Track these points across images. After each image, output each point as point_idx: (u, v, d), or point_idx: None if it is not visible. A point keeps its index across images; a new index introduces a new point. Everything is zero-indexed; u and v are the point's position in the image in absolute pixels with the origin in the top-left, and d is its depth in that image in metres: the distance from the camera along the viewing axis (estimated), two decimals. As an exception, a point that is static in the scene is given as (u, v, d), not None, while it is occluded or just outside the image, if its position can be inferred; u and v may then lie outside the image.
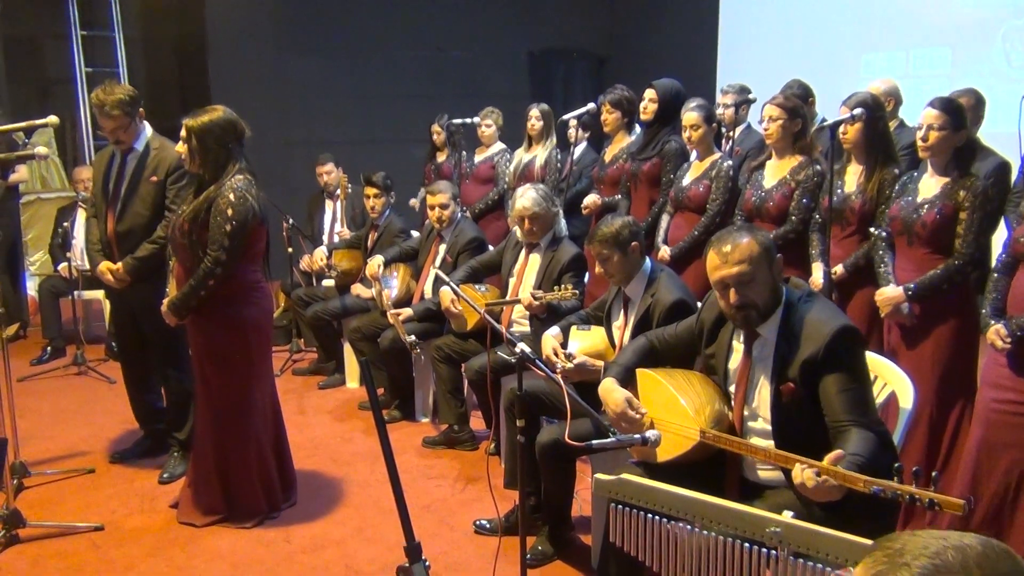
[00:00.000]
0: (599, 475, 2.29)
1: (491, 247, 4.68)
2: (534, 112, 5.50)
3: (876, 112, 3.53)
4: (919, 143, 3.23)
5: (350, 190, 5.91)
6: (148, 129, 3.93)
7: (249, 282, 3.46)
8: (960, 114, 3.21)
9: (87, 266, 5.17)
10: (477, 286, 4.33)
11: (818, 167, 3.73)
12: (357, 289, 5.24)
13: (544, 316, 3.84)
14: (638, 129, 4.84)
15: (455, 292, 3.33)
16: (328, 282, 5.63)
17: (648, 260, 3.26)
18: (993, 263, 3.14)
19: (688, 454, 2.45)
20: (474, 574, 3.17)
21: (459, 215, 4.80)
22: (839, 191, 3.56)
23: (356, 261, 5.37)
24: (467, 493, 3.85)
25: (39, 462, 4.12)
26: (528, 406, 3.24)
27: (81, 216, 6.03)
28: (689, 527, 2.08)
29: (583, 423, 2.94)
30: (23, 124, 3.86)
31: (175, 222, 3.41)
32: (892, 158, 3.56)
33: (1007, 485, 2.92)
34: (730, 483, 2.51)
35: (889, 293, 3.27)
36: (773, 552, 1.92)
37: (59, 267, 6.10)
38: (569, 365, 3.14)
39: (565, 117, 5.10)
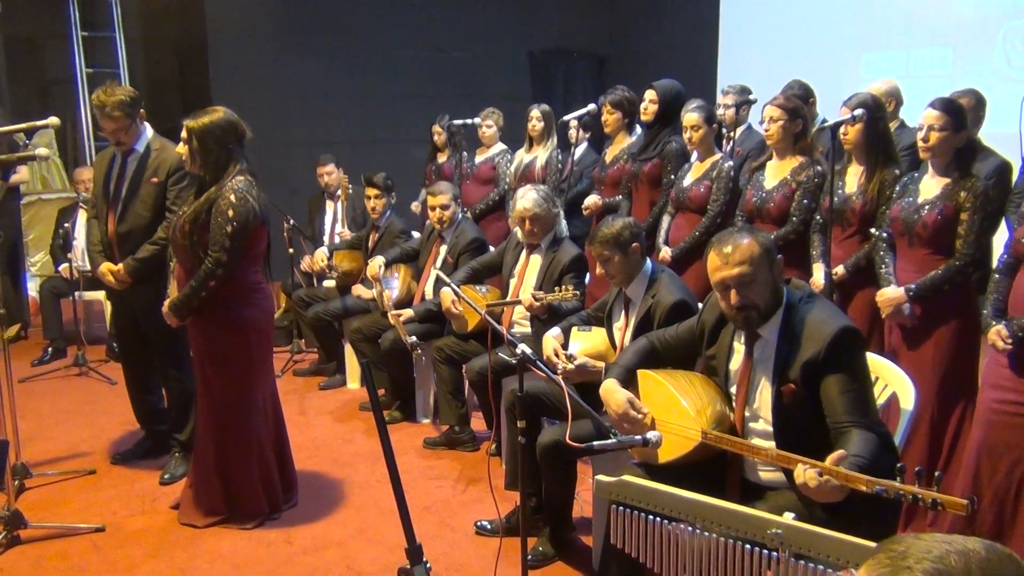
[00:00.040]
0: (600, 476, 2.29)
1: (492, 248, 4.68)
2: (535, 113, 5.50)
3: (877, 113, 3.53)
4: (920, 144, 3.23)
5: (351, 191, 5.91)
6: (149, 130, 3.93)
7: (250, 283, 3.46)
8: (961, 115, 3.21)
9: (88, 267, 5.18)
10: (478, 287, 4.33)
11: (819, 168, 3.73)
12: (358, 290, 5.24)
13: (545, 317, 3.84)
14: (639, 130, 4.84)
15: (456, 293, 3.33)
16: (329, 283, 5.63)
17: (649, 261, 3.26)
18: (994, 264, 3.14)
19: (689, 455, 2.45)
20: (475, 575, 3.17)
21: (460, 216, 4.80)
22: (840, 192, 3.56)
23: (357, 262, 5.37)
24: (468, 494, 3.85)
25: (40, 463, 4.12)
26: (529, 407, 3.24)
27: (82, 217, 6.04)
28: (690, 529, 2.08)
29: (584, 424, 2.94)
30: (24, 125, 3.86)
31: (176, 223, 3.41)
32: (893, 159, 3.56)
33: (1008, 486, 2.92)
34: (731, 484, 2.51)
35: (890, 294, 3.27)
36: (774, 554, 1.92)
37: (60, 268, 6.10)
38: (570, 366, 3.15)
39: (566, 118, 5.11)
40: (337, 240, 5.83)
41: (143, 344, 4.07)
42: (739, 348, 2.52)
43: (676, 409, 2.48)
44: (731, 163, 4.23)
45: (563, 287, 3.77)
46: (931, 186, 3.26)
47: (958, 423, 3.27)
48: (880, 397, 2.68)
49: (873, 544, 1.80)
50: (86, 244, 5.23)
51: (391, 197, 5.31)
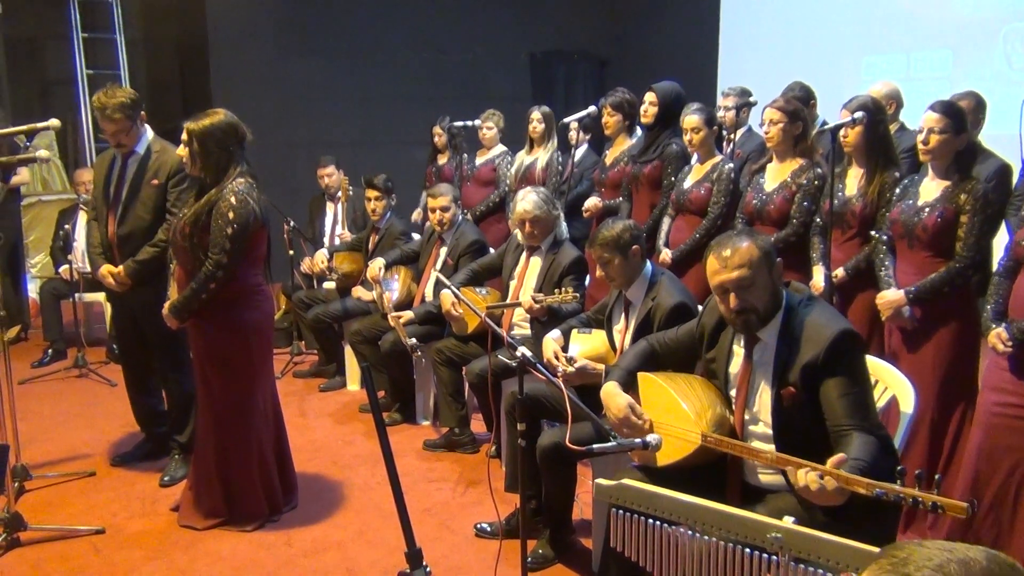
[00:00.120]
0: (600, 480, 2.29)
1: (492, 249, 4.68)
2: (535, 115, 5.51)
3: (877, 115, 3.53)
4: (920, 146, 3.23)
5: (351, 192, 5.91)
6: (149, 132, 3.93)
7: (250, 285, 3.46)
8: (961, 117, 3.21)
9: (88, 268, 5.18)
10: (478, 289, 4.33)
11: (819, 170, 3.73)
12: (358, 292, 5.24)
13: (545, 319, 3.84)
14: (639, 132, 4.84)
15: (456, 295, 3.33)
16: (329, 284, 5.63)
17: (649, 264, 3.27)
18: (994, 266, 3.14)
19: (689, 458, 2.45)
20: (475, 578, 3.17)
21: (460, 218, 4.81)
22: (840, 194, 3.56)
23: (357, 264, 5.37)
24: (468, 496, 3.85)
25: (40, 465, 4.12)
26: (529, 409, 3.24)
27: (82, 218, 6.04)
28: (690, 532, 2.08)
29: (584, 426, 2.93)
30: (24, 127, 3.86)
31: (176, 225, 3.41)
32: (893, 161, 3.56)
33: (1007, 488, 2.92)
34: (731, 487, 2.51)
35: (890, 296, 3.27)
36: (774, 557, 1.92)
37: (60, 269, 6.10)
38: (570, 369, 3.15)
39: (566, 120, 5.12)
40: (337, 242, 5.83)
41: (143, 346, 4.07)
42: (738, 351, 2.52)
43: (676, 412, 2.48)
44: (731, 165, 4.23)
45: (563, 289, 3.77)
46: (931, 189, 3.26)
47: (958, 426, 3.27)
48: (880, 400, 2.68)
49: (872, 548, 1.80)
50: (86, 246, 5.23)
51: (391, 199, 5.31)
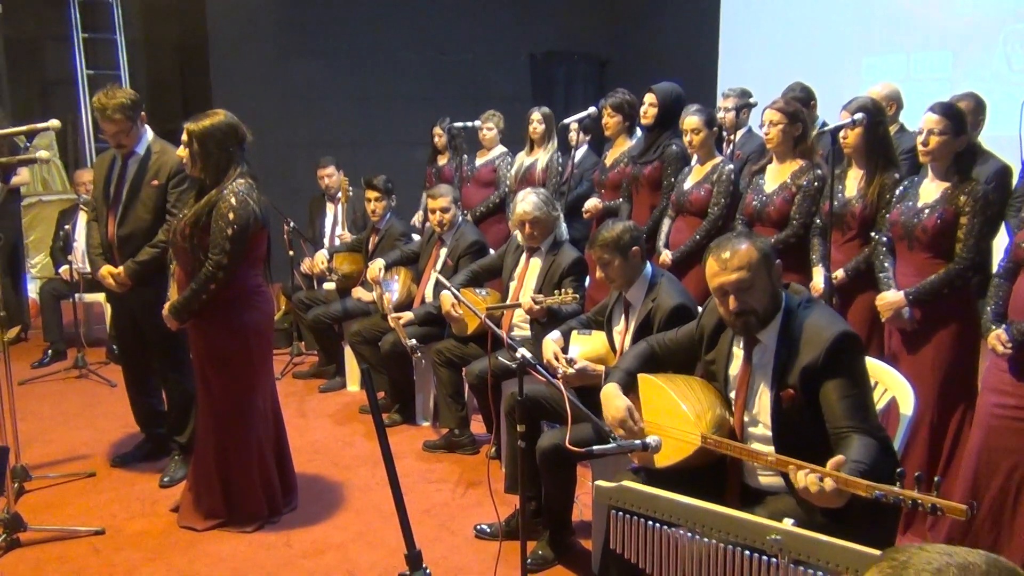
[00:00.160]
0: (600, 482, 2.29)
1: (492, 250, 4.68)
2: (535, 115, 5.51)
3: (877, 117, 3.53)
4: (920, 148, 3.24)
5: (351, 193, 5.91)
6: (149, 133, 3.93)
7: (250, 286, 3.46)
8: (961, 119, 3.21)
9: (88, 269, 5.18)
10: (478, 290, 4.34)
11: (819, 171, 3.73)
12: (358, 292, 5.24)
13: (545, 320, 3.84)
14: (639, 133, 4.84)
15: (455, 296, 3.33)
16: (329, 285, 5.63)
17: (649, 265, 3.27)
18: (994, 268, 3.14)
19: (689, 459, 2.45)
20: (475, 579, 3.18)
21: (460, 219, 4.81)
22: (840, 196, 3.57)
23: (357, 264, 5.37)
24: (468, 497, 3.85)
25: (40, 465, 4.12)
26: (529, 411, 3.24)
27: (82, 219, 6.03)
28: (690, 534, 2.08)
29: (584, 428, 2.93)
30: (25, 128, 3.86)
31: (176, 226, 3.41)
32: (893, 163, 3.56)
33: (1007, 490, 2.92)
34: (731, 489, 2.51)
35: (890, 298, 3.27)
36: (774, 560, 1.92)
37: (60, 270, 6.10)
38: (570, 370, 3.14)
39: (566, 121, 5.12)
40: (337, 242, 5.83)
41: (143, 346, 4.07)
42: (738, 353, 2.52)
43: (676, 413, 2.48)
44: (732, 166, 4.23)
45: (563, 290, 3.77)
46: (931, 190, 3.26)
47: (958, 427, 3.27)
48: (879, 402, 2.68)
49: (872, 551, 1.80)
50: (86, 246, 5.24)
51: (391, 200, 5.31)
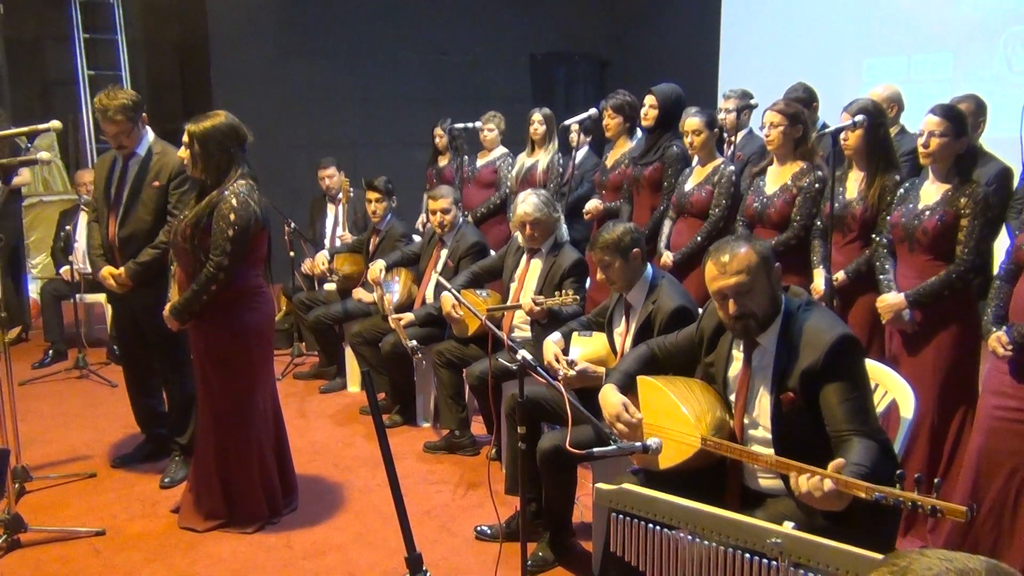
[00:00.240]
0: (600, 484, 2.29)
1: (493, 251, 4.68)
2: (536, 116, 5.51)
3: (877, 119, 3.53)
4: (920, 150, 3.24)
5: (352, 194, 5.91)
6: (150, 134, 3.94)
7: (251, 287, 3.46)
8: (961, 121, 3.21)
9: (89, 269, 5.18)
10: (478, 291, 4.34)
11: (819, 173, 3.73)
12: (359, 293, 5.24)
13: (545, 322, 3.84)
14: (639, 134, 4.84)
15: (456, 297, 3.33)
16: (330, 286, 5.64)
17: (649, 267, 3.27)
18: (995, 270, 3.14)
19: (689, 461, 2.45)
20: (475, 580, 3.18)
21: (461, 220, 4.81)
22: (840, 197, 3.57)
23: (358, 265, 5.38)
24: (468, 499, 3.85)
25: (41, 466, 4.12)
26: (529, 412, 3.24)
27: (83, 219, 6.03)
28: (690, 537, 2.08)
29: (584, 430, 2.94)
30: (26, 129, 3.87)
31: (177, 227, 3.41)
32: (893, 164, 3.56)
33: (1007, 492, 2.91)
34: (731, 491, 2.51)
35: (890, 300, 3.27)
36: (774, 563, 1.92)
37: (61, 270, 6.10)
38: (571, 372, 3.14)
39: (567, 122, 5.13)
40: (338, 243, 5.83)
41: (144, 347, 4.07)
42: (737, 356, 2.52)
43: (676, 415, 2.48)
44: (733, 167, 4.23)
45: (564, 292, 3.77)
46: (931, 192, 3.26)
47: (958, 429, 3.27)
48: (880, 404, 2.69)
49: (872, 553, 1.80)
50: (87, 247, 5.25)
51: (392, 201, 5.31)
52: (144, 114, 3.88)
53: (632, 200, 4.63)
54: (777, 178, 3.85)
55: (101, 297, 5.95)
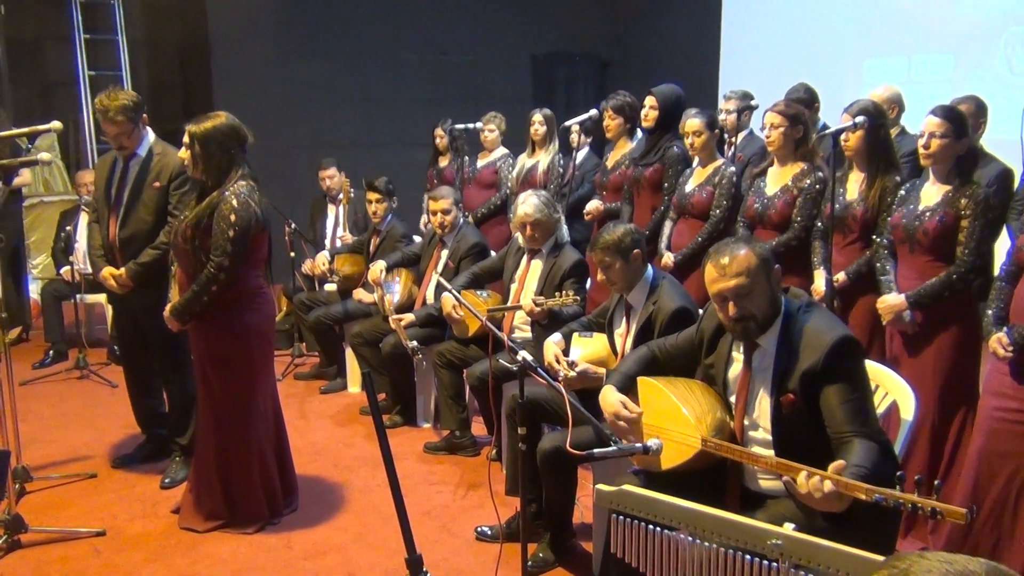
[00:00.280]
0: (600, 486, 2.29)
1: (493, 252, 4.68)
2: (537, 117, 5.51)
3: (878, 120, 3.53)
4: (921, 151, 3.24)
5: (352, 194, 5.91)
6: (151, 135, 3.94)
7: (251, 287, 3.47)
8: (962, 122, 3.21)
9: (89, 269, 5.18)
10: (479, 292, 4.34)
11: (820, 174, 3.73)
12: (359, 294, 5.25)
13: (546, 322, 3.84)
14: (640, 135, 4.84)
15: (456, 298, 3.33)
16: (330, 286, 5.64)
17: (650, 268, 3.27)
18: (996, 271, 3.14)
19: (690, 462, 2.45)
20: (475, 581, 3.18)
21: (461, 220, 4.81)
22: (841, 198, 3.57)
23: (358, 266, 5.38)
24: (468, 499, 3.85)
25: (41, 466, 4.13)
26: (530, 413, 3.24)
27: (84, 220, 6.03)
28: (690, 539, 2.08)
29: (585, 431, 2.94)
30: (27, 130, 3.87)
31: (178, 228, 3.41)
32: (894, 166, 3.56)
33: (1008, 493, 2.91)
34: (731, 492, 2.51)
35: (891, 301, 3.27)
36: (774, 564, 1.92)
37: (61, 271, 6.11)
38: (571, 373, 3.14)
39: (567, 123, 5.13)
40: (338, 244, 5.83)
41: (144, 347, 4.07)
42: (738, 357, 2.52)
43: (676, 416, 2.48)
44: (734, 168, 4.23)
45: (564, 292, 3.77)
46: (932, 193, 3.26)
47: (959, 430, 3.27)
48: (880, 406, 2.69)
49: (872, 555, 1.80)
50: (87, 247, 5.25)
51: (392, 201, 5.31)
52: (145, 115, 3.89)
53: (633, 201, 4.64)
54: (778, 179, 3.85)
55: (102, 297, 5.95)
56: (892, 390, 2.75)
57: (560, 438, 3.04)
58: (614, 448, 2.42)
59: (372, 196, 5.25)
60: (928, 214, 3.22)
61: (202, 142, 3.34)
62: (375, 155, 7.99)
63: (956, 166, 3.22)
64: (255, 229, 3.36)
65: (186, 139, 3.36)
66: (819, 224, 3.67)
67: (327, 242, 6.05)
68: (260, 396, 3.55)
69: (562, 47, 9.36)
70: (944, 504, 1.84)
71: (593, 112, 4.94)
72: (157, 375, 4.15)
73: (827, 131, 3.64)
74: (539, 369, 2.63)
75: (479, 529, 3.49)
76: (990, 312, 2.99)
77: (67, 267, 5.93)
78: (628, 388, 2.70)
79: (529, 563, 2.99)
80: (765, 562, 1.94)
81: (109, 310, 5.73)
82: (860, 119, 3.46)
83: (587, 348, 3.29)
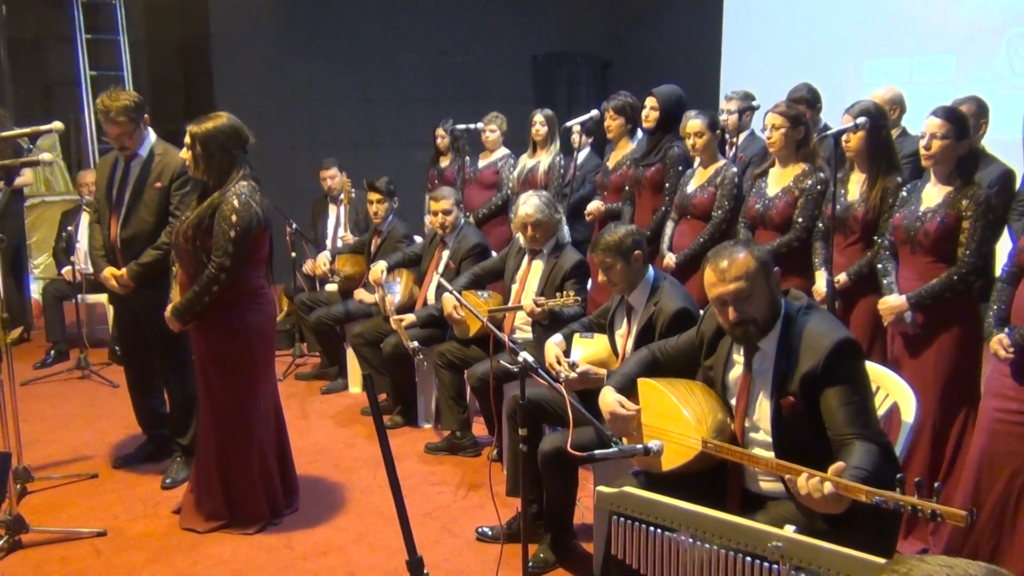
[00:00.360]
0: (601, 487, 2.29)
1: (494, 252, 4.68)
2: (538, 117, 5.51)
3: (879, 121, 3.53)
4: (922, 152, 3.24)
5: (353, 195, 5.92)
6: (152, 135, 3.94)
7: (252, 288, 3.47)
8: (963, 123, 3.21)
9: (91, 270, 5.19)
10: (480, 292, 4.34)
11: (821, 175, 3.73)
12: (360, 294, 5.25)
13: (547, 323, 3.84)
14: (641, 135, 4.84)
15: (457, 299, 3.33)
16: (331, 287, 5.64)
17: (651, 269, 3.26)
18: (997, 272, 3.14)
19: (690, 464, 2.45)
20: (476, 582, 3.18)
21: (462, 221, 4.81)
22: (842, 199, 3.57)
23: (359, 266, 5.38)
24: (469, 500, 3.85)
25: (42, 467, 4.13)
26: (531, 414, 3.24)
27: (85, 220, 6.03)
28: (691, 540, 2.08)
29: (586, 431, 2.94)
30: (28, 130, 3.87)
31: (179, 228, 3.42)
32: (895, 167, 3.56)
33: (1009, 495, 2.91)
34: (732, 494, 2.51)
35: (892, 302, 3.27)
36: (775, 566, 1.92)
37: (63, 271, 6.11)
38: (572, 373, 3.14)
39: (568, 124, 5.13)
40: (339, 244, 5.83)
41: (145, 348, 4.08)
42: (738, 359, 2.52)
43: (677, 418, 2.48)
44: (735, 169, 4.23)
45: (565, 293, 3.77)
46: (933, 194, 3.26)
47: (960, 431, 3.27)
48: (881, 407, 2.68)
49: (873, 558, 1.80)
50: (89, 248, 5.25)
51: (393, 201, 5.31)
52: (146, 115, 3.89)
53: (634, 201, 4.64)
54: (779, 180, 3.85)
55: (103, 297, 5.95)
56: (893, 391, 2.75)
57: (561, 439, 3.04)
58: (615, 449, 2.41)
59: (373, 196, 5.25)
60: (929, 215, 3.22)
61: (203, 142, 3.34)
62: (376, 155, 7.99)
63: (957, 167, 3.21)
64: (256, 229, 3.36)
65: (187, 139, 3.37)
66: (820, 225, 3.67)
67: (328, 242, 6.05)
68: (261, 396, 3.56)
69: (563, 47, 9.36)
70: (944, 507, 1.84)
71: (594, 112, 4.95)
72: (158, 375, 4.15)
73: (828, 132, 3.64)
74: (540, 370, 2.63)
75: (480, 530, 3.49)
76: (991, 313, 2.99)
77: (68, 267, 5.93)
78: (628, 389, 2.70)
79: (530, 564, 2.99)
80: (766, 564, 1.94)
81: (110, 310, 5.74)
82: (861, 120, 3.46)
83: (588, 349, 3.29)
